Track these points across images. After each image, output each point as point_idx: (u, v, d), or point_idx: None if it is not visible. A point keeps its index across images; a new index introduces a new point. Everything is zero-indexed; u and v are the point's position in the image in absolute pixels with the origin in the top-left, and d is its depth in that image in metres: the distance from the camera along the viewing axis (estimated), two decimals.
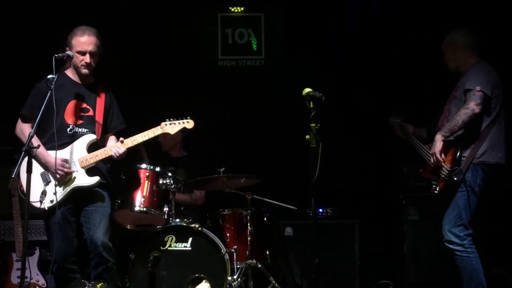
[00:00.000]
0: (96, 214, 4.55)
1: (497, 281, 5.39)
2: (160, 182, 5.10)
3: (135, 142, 4.59)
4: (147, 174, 5.09)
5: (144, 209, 5.02)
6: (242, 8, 6.73)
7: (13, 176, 3.93)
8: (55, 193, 4.41)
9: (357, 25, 6.67)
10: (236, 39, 6.75)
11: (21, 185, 4.46)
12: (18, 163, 3.94)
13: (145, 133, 4.61)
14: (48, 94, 4.17)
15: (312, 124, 4.08)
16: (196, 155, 6.02)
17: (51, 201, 4.42)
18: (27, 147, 3.91)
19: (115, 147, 4.55)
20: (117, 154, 4.53)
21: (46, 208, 4.40)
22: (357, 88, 6.52)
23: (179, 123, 4.67)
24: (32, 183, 4.28)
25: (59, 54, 4.26)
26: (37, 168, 4.43)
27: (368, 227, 5.95)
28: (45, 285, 5.24)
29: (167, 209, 5.10)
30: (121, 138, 4.61)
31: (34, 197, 4.36)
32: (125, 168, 4.97)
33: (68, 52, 4.36)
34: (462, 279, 4.61)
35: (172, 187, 5.12)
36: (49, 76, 4.18)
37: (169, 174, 5.13)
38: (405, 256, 5.70)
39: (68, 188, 4.46)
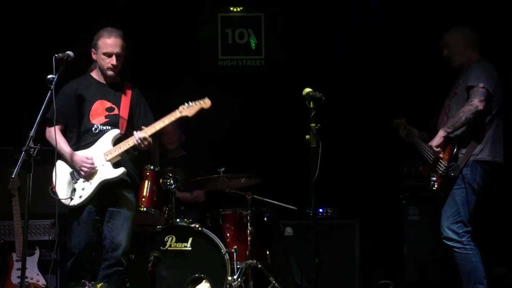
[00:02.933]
0: (120, 216, 4.55)
1: (497, 281, 5.39)
2: (160, 182, 5.10)
3: (155, 129, 4.54)
4: (147, 174, 5.10)
5: (144, 209, 5.03)
6: (242, 8, 6.73)
7: (13, 176, 3.92)
8: (83, 189, 4.46)
9: (358, 25, 6.67)
10: (236, 39, 6.76)
11: (53, 186, 4.45)
12: (18, 163, 3.93)
13: (164, 118, 4.57)
14: (48, 94, 4.15)
15: (312, 124, 4.08)
16: (196, 155, 6.03)
17: (80, 197, 4.45)
18: (26, 147, 3.91)
19: (135, 135, 4.52)
20: (138, 141, 4.47)
21: (76, 204, 4.43)
22: (358, 88, 6.52)
23: (196, 104, 4.60)
24: (62, 181, 4.44)
25: (59, 54, 4.26)
26: (67, 167, 4.51)
27: (368, 227, 5.95)
28: (45, 285, 5.24)
29: (167, 209, 5.10)
30: (142, 127, 4.59)
31: (64, 194, 4.42)
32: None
33: (68, 52, 4.34)
34: (462, 276, 4.61)
35: (172, 187, 5.13)
36: (49, 76, 4.17)
37: (169, 174, 5.14)
38: (405, 256, 5.70)
39: (96, 183, 4.47)
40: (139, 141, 4.48)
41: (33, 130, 4.05)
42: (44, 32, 6.11)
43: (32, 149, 3.95)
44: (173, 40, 6.52)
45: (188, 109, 4.59)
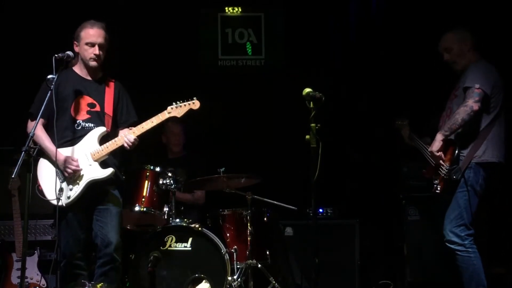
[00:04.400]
0: (108, 213, 4.54)
1: (497, 281, 5.39)
2: (160, 182, 5.11)
3: (143, 130, 4.54)
4: (147, 174, 5.10)
5: (144, 209, 5.04)
6: (242, 8, 6.73)
7: (13, 176, 3.92)
8: (71, 189, 4.43)
9: (358, 25, 6.67)
10: (236, 39, 6.76)
11: (39, 185, 4.45)
12: (18, 163, 3.94)
13: (152, 119, 4.56)
14: (48, 94, 4.18)
15: (312, 124, 4.08)
16: (196, 155, 6.03)
17: (68, 197, 4.42)
18: (26, 147, 3.91)
19: (124, 135, 4.52)
20: (129, 143, 4.49)
21: (64, 205, 4.40)
22: (357, 88, 6.52)
23: (184, 105, 4.59)
24: (49, 181, 4.37)
25: (59, 54, 4.26)
26: (52, 165, 4.44)
27: (368, 227, 5.95)
28: (45, 285, 5.24)
29: (167, 209, 5.11)
30: (130, 127, 4.59)
31: (52, 194, 4.34)
32: (125, 168, 4.97)
33: (68, 52, 4.36)
34: (463, 279, 4.62)
35: (172, 187, 5.13)
36: (49, 76, 4.18)
37: (169, 174, 5.14)
38: (405, 256, 5.70)
39: (84, 182, 4.45)
40: (128, 143, 4.48)
41: (33, 130, 4.05)
42: (44, 32, 6.11)
43: (32, 149, 3.96)
44: (173, 40, 6.52)
45: (177, 110, 4.59)
